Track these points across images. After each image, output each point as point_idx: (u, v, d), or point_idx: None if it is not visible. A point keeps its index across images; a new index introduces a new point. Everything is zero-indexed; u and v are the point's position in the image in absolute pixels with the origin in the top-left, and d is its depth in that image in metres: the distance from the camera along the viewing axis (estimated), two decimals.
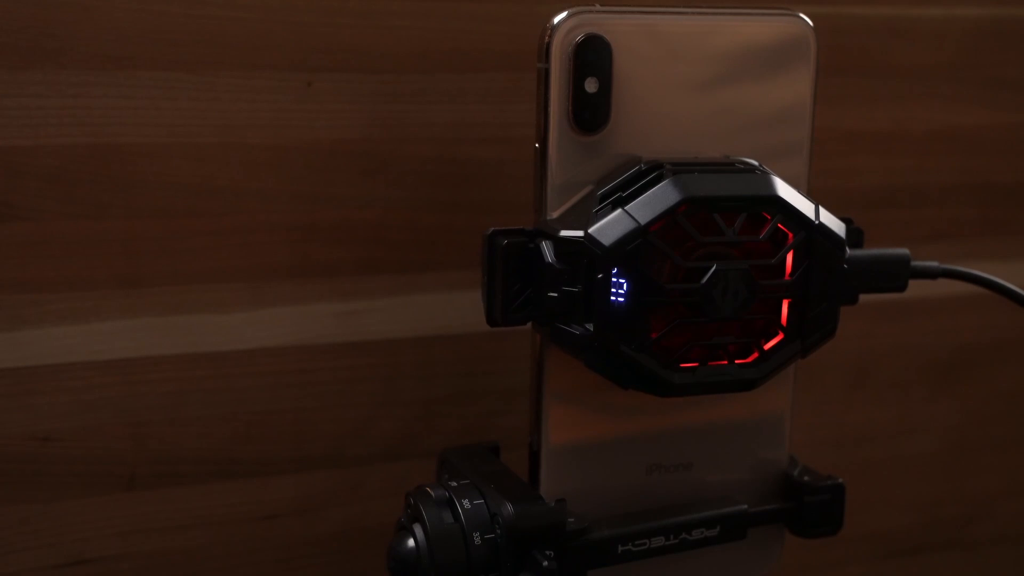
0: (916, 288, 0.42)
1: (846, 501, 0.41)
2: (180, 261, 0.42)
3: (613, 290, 0.34)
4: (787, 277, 0.36)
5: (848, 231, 0.40)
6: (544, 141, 0.36)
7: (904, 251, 0.40)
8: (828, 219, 0.37)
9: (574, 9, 0.35)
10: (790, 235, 0.36)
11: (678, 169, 0.35)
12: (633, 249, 0.34)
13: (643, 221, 0.34)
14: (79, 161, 0.40)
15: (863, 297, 0.40)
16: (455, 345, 0.47)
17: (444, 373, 0.47)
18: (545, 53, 0.35)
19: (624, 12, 0.36)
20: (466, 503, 0.36)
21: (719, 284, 0.35)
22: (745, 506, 0.40)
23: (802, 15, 0.38)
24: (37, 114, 0.40)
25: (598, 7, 0.36)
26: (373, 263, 0.45)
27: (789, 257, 0.36)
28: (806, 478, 0.41)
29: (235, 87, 0.42)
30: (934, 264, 0.41)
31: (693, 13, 0.37)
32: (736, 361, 0.36)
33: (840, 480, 0.41)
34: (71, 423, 0.42)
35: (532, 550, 0.35)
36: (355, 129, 0.44)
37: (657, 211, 0.34)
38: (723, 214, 0.35)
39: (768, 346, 0.37)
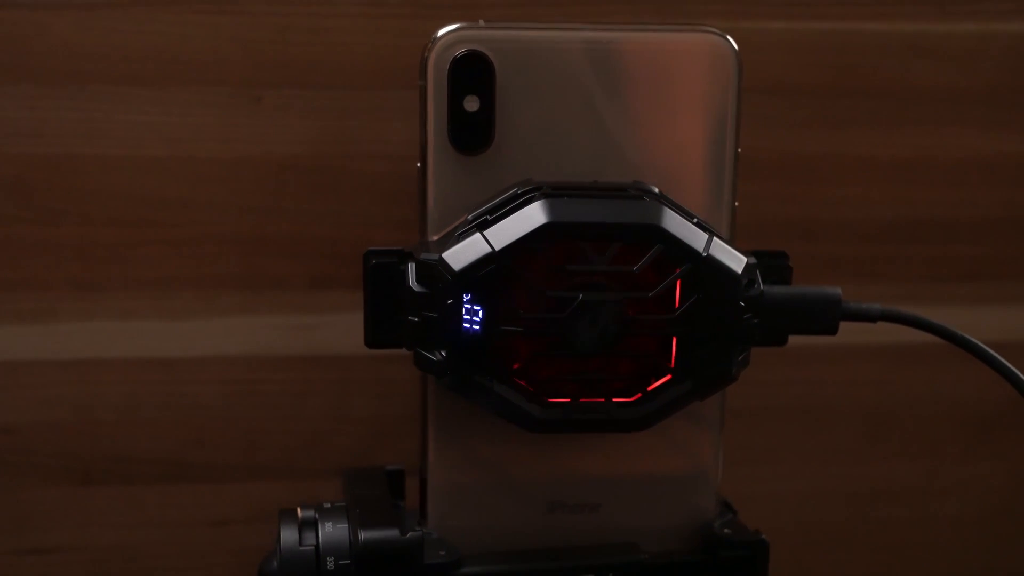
0: None
1: (783, 559, 0.38)
2: (132, 268, 0.44)
3: (467, 317, 0.33)
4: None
5: (774, 267, 0.37)
6: (424, 160, 0.35)
7: (835, 290, 0.36)
8: (722, 251, 0.33)
9: (458, 24, 0.34)
10: (678, 268, 0.33)
11: (552, 193, 0.33)
12: (486, 275, 0.32)
13: (498, 246, 0.32)
14: (35, 170, 0.43)
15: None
16: (409, 364, 0.46)
17: (399, 392, 0.47)
18: (423, 69, 0.34)
19: (512, 28, 0.35)
20: (328, 526, 0.35)
21: (585, 316, 0.33)
22: (643, 556, 0.37)
23: (728, 37, 0.35)
24: None
25: (482, 23, 0.34)
26: (325, 278, 0.45)
27: (677, 291, 0.34)
28: (727, 531, 0.38)
29: (185, 101, 0.43)
30: (874, 306, 0.36)
31: (590, 30, 0.35)
32: (614, 400, 0.34)
33: (763, 537, 0.38)
34: (29, 418, 0.45)
35: None
36: (306, 145, 0.44)
37: (514, 236, 0.32)
38: (597, 242, 0.33)
39: (653, 386, 0.34)
